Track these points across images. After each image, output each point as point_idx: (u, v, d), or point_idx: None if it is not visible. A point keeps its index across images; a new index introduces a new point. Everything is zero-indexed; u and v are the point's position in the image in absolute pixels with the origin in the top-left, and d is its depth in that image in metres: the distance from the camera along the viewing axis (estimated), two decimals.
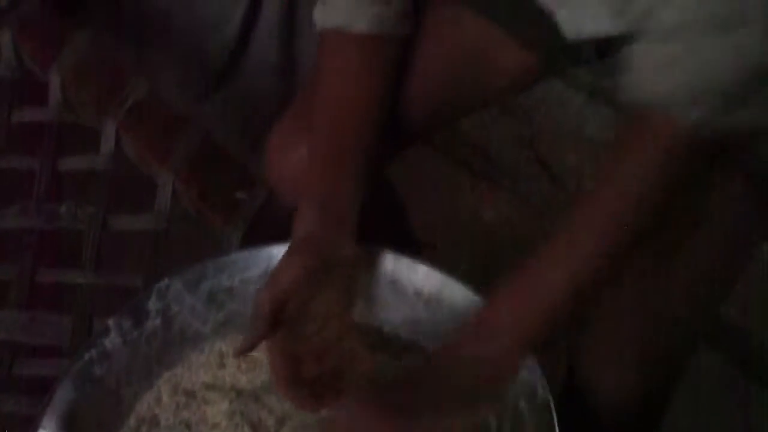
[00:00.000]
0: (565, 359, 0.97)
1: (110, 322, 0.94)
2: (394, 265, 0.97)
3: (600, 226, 0.85)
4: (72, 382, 0.91)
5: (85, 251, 1.11)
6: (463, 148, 1.94)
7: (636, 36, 0.83)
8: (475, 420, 0.86)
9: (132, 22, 1.64)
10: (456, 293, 0.94)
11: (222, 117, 1.58)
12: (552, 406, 0.84)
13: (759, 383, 1.47)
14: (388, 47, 1.02)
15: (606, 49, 1.01)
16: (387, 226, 1.23)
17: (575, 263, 0.85)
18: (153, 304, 0.96)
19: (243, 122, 1.54)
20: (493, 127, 1.92)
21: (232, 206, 1.08)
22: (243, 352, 0.90)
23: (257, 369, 0.95)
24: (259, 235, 0.99)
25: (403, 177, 1.29)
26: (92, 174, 1.20)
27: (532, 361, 0.86)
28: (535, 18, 1.02)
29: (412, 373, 0.87)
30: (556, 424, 0.83)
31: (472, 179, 1.90)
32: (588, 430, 1.00)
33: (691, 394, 1.13)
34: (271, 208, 1.06)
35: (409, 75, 1.06)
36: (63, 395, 0.90)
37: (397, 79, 1.04)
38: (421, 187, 1.74)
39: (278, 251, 0.93)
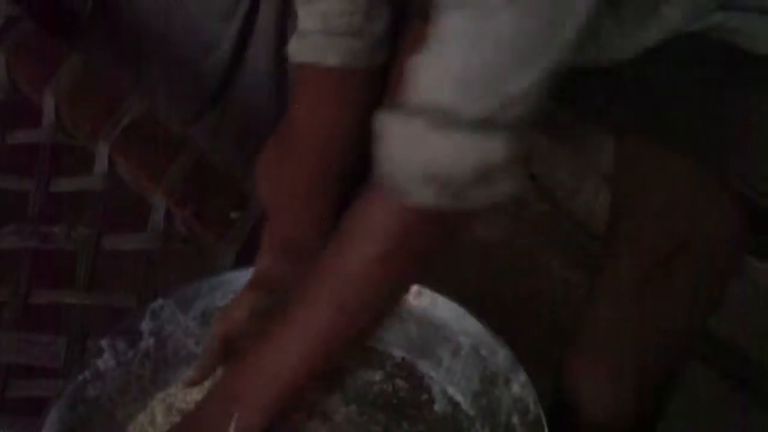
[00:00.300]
0: (558, 374, 0.97)
1: (104, 342, 0.94)
2: None
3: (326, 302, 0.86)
4: (66, 403, 0.91)
5: (79, 271, 1.11)
6: None
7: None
8: None
9: (126, 41, 1.65)
10: (448, 311, 0.94)
11: (216, 136, 1.59)
12: (544, 421, 0.85)
13: (757, 402, 1.47)
14: (362, 79, 1.02)
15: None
16: None
17: (309, 339, 0.86)
18: (146, 325, 0.96)
19: (237, 141, 1.55)
20: None
21: (226, 226, 1.08)
22: (192, 384, 0.95)
23: None
24: (252, 254, 0.99)
25: None
26: (86, 194, 1.20)
27: (524, 377, 0.87)
28: None
29: None
30: None
31: None
32: None
33: (686, 411, 1.13)
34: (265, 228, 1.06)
35: (395, 93, 1.07)
36: (57, 416, 0.90)
37: (375, 105, 1.05)
38: None
39: None
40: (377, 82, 1.05)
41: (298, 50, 1.02)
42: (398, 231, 0.83)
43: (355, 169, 1.02)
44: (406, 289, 0.92)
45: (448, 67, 0.76)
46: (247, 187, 1.13)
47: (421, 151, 0.78)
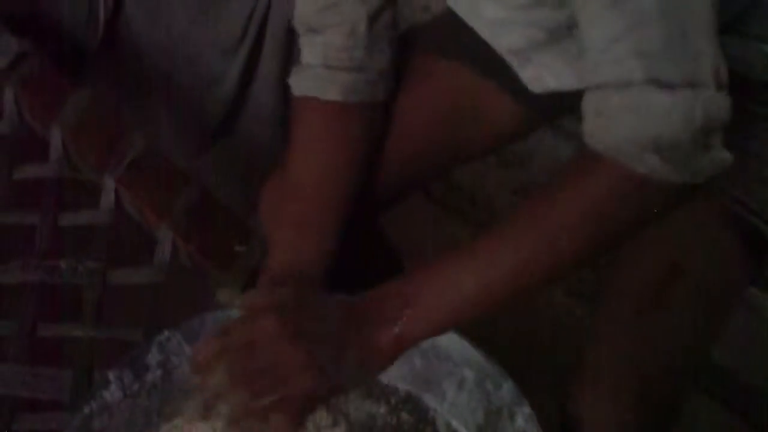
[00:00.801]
0: (561, 406, 0.98)
1: (110, 374, 0.95)
2: None
3: (528, 245, 0.85)
4: None
5: (85, 305, 1.12)
6: (458, 198, 1.96)
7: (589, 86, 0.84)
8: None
9: (132, 78, 1.66)
10: (452, 344, 0.95)
11: (220, 171, 1.60)
12: None
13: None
14: (363, 113, 1.04)
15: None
16: (382, 277, 1.24)
17: (491, 273, 0.86)
18: (153, 357, 0.97)
19: (241, 175, 1.56)
20: (487, 176, 1.94)
21: (231, 259, 1.09)
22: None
23: None
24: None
25: (398, 228, 1.30)
26: (93, 228, 1.21)
27: (528, 410, 0.87)
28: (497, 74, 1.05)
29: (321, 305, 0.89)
30: None
31: (468, 228, 1.91)
32: None
33: None
34: None
35: (400, 126, 1.08)
36: None
37: (377, 138, 1.07)
38: (418, 237, 1.75)
39: None
40: (378, 116, 1.06)
41: (298, 83, 1.04)
42: (623, 194, 0.82)
43: (354, 199, 1.04)
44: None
45: (626, 46, 0.79)
46: (251, 220, 1.14)
47: (648, 116, 0.79)
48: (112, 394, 0.94)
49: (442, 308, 0.87)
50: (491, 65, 1.08)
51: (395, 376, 0.97)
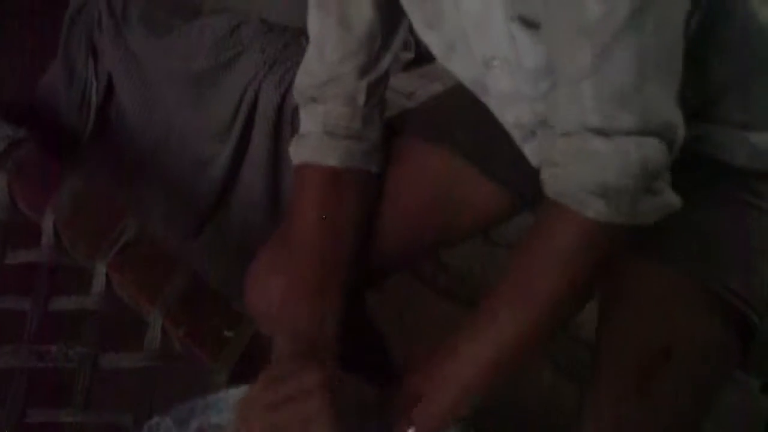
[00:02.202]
0: None
1: None
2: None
3: (516, 308, 0.90)
4: None
5: (76, 390, 1.12)
6: (447, 277, 1.97)
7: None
8: None
9: (123, 162, 1.69)
10: None
11: (211, 253, 1.62)
12: None
13: None
14: (359, 180, 1.08)
15: None
16: (367, 359, 1.25)
17: (498, 337, 0.90)
18: None
19: (232, 258, 1.57)
20: (474, 256, 1.95)
21: (221, 344, 1.10)
22: None
23: None
24: (246, 372, 1.01)
25: (387, 307, 1.31)
26: (84, 313, 1.22)
27: None
28: (508, 155, 1.07)
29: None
30: None
31: (458, 307, 1.92)
32: None
33: None
34: (258, 346, 1.08)
35: (386, 208, 1.11)
36: None
37: (370, 210, 1.10)
38: (406, 316, 1.76)
39: None
40: (372, 188, 1.09)
41: (298, 152, 1.07)
42: (578, 244, 0.88)
43: (356, 260, 1.06)
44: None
45: (585, 95, 0.84)
46: (239, 305, 1.15)
47: (590, 161, 0.85)
48: None
49: (457, 400, 0.91)
50: (476, 151, 1.11)
51: None
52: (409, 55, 1.44)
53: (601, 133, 0.84)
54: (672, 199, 0.88)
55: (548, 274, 0.88)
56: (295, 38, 1.53)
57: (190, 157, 1.61)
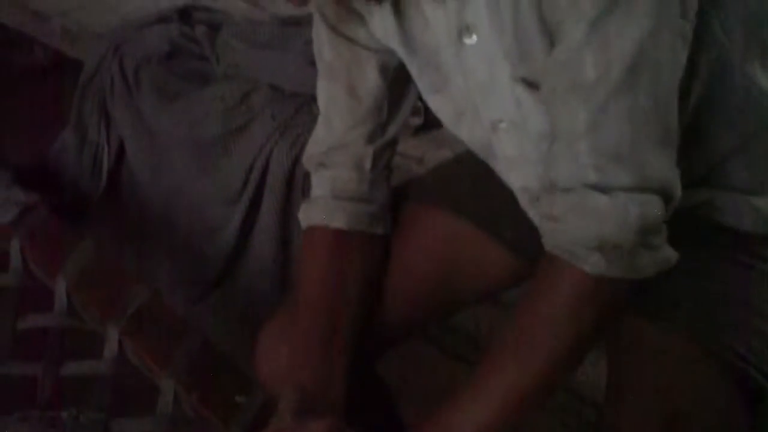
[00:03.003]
0: None
1: None
2: None
3: (519, 362, 0.90)
4: None
5: None
6: (455, 339, 1.97)
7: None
8: None
9: (133, 227, 1.70)
10: None
11: (220, 317, 1.62)
12: None
13: None
14: (366, 243, 1.09)
15: None
16: (374, 414, 1.25)
17: (501, 390, 0.91)
18: None
19: (240, 322, 1.58)
20: (483, 318, 1.95)
21: (232, 409, 1.10)
22: None
23: None
24: None
25: (396, 369, 1.32)
26: (95, 378, 1.22)
27: None
28: (515, 219, 1.08)
29: None
30: None
31: (463, 368, 1.91)
32: None
33: None
34: (270, 411, 1.09)
35: (394, 272, 1.12)
36: None
37: (378, 274, 1.11)
38: (415, 379, 1.76)
39: None
40: (378, 252, 1.11)
41: (307, 215, 1.09)
42: (578, 298, 0.88)
43: (363, 322, 1.07)
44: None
45: (582, 153, 0.86)
46: (250, 370, 1.16)
47: (588, 216, 0.86)
48: None
49: None
50: (484, 217, 1.12)
51: None
52: (418, 121, 1.46)
53: (599, 188, 0.86)
54: (669, 253, 0.89)
55: (550, 328, 0.89)
56: (306, 105, 1.55)
57: (201, 223, 1.62)
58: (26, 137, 2.00)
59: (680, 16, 0.86)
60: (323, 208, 1.09)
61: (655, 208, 0.87)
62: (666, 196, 0.87)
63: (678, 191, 0.88)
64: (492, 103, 0.98)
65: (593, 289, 0.88)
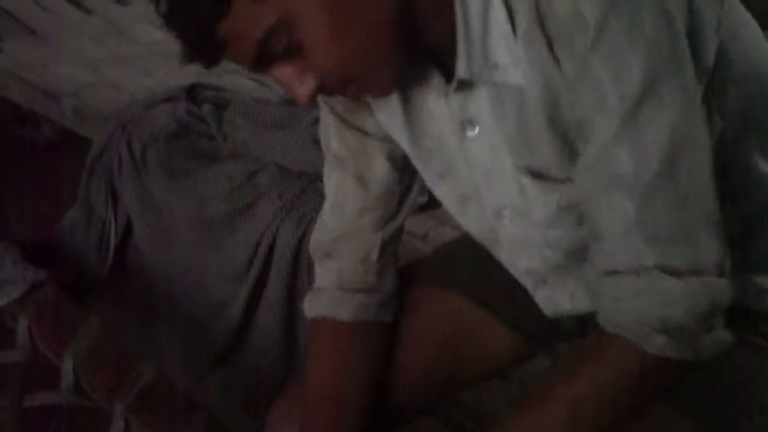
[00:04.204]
0: None
1: None
2: None
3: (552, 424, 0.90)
4: None
5: None
6: (460, 413, 1.96)
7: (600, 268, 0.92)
8: None
9: (140, 303, 1.71)
10: None
11: (225, 393, 1.62)
12: None
13: None
14: (372, 333, 1.10)
15: (587, 322, 1.08)
16: None
17: None
18: None
19: (245, 399, 1.58)
20: (488, 392, 1.95)
21: None
22: None
23: None
24: None
25: None
26: None
27: None
28: (520, 300, 1.09)
29: None
30: None
31: None
32: None
33: None
34: None
35: (401, 356, 1.13)
36: None
37: (384, 361, 1.11)
38: None
39: None
40: (386, 338, 1.11)
41: (313, 306, 1.10)
42: (634, 374, 0.89)
43: (371, 408, 1.08)
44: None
45: (636, 243, 0.88)
46: None
47: (655, 298, 0.87)
48: None
49: None
50: (489, 297, 1.13)
51: None
52: (423, 199, 1.47)
53: (668, 272, 0.87)
54: (727, 336, 0.90)
55: (595, 400, 0.90)
56: (312, 184, 1.57)
57: (207, 299, 1.63)
58: (33, 212, 2.02)
59: (700, 99, 0.88)
60: (329, 300, 1.09)
61: (726, 293, 0.89)
62: (723, 273, 0.89)
63: (729, 267, 0.90)
64: (495, 191, 0.99)
65: (653, 368, 0.89)
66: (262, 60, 0.87)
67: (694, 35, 0.87)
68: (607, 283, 0.90)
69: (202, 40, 0.85)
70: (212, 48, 0.85)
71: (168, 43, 0.87)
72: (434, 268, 1.19)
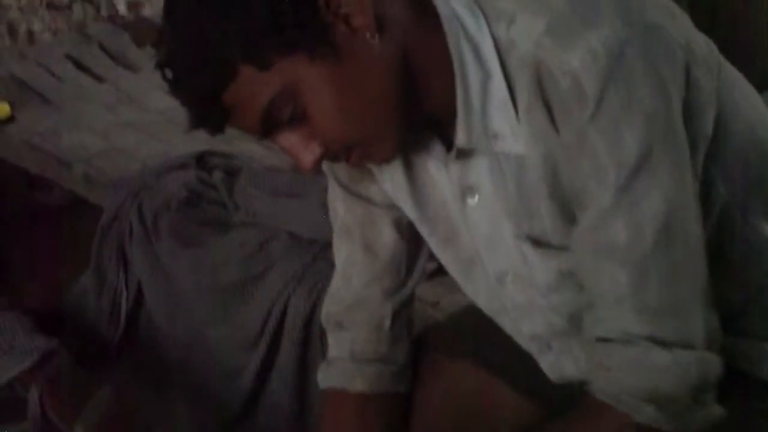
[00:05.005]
0: None
1: None
2: None
3: None
4: None
5: None
6: None
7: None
8: None
9: (151, 371, 1.71)
10: None
11: None
12: None
13: None
14: (387, 404, 1.10)
15: None
16: None
17: None
18: None
19: None
20: None
21: None
22: None
23: None
24: None
25: None
26: None
27: None
28: (533, 367, 1.09)
29: None
30: None
31: None
32: None
33: None
34: None
35: (416, 426, 1.12)
36: None
37: (399, 428, 1.11)
38: None
39: None
40: (400, 406, 1.11)
41: (326, 377, 1.10)
42: None
43: None
44: None
45: (628, 313, 0.88)
46: None
47: (645, 369, 0.88)
48: None
49: None
50: (503, 364, 1.13)
51: None
52: (433, 265, 1.48)
53: (658, 343, 0.87)
54: (718, 411, 0.90)
55: None
56: (323, 252, 1.57)
57: (218, 367, 1.63)
58: (44, 278, 2.03)
59: (693, 174, 0.89)
60: (342, 372, 1.09)
61: (715, 367, 0.89)
62: (712, 347, 0.89)
63: (719, 341, 0.90)
64: (497, 257, 1.00)
65: None
66: (266, 127, 0.88)
67: (691, 106, 0.88)
68: (598, 351, 0.91)
69: (207, 107, 0.86)
70: (218, 115, 0.87)
71: (178, 110, 0.89)
72: (447, 336, 1.19)
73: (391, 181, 1.03)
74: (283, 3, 0.83)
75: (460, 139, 0.91)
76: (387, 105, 0.88)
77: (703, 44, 0.92)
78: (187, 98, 0.87)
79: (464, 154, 0.93)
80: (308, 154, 0.89)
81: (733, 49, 1.13)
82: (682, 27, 0.91)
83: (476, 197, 0.96)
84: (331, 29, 0.85)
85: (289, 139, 0.89)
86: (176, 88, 0.87)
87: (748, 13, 2.79)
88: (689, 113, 0.88)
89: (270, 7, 0.83)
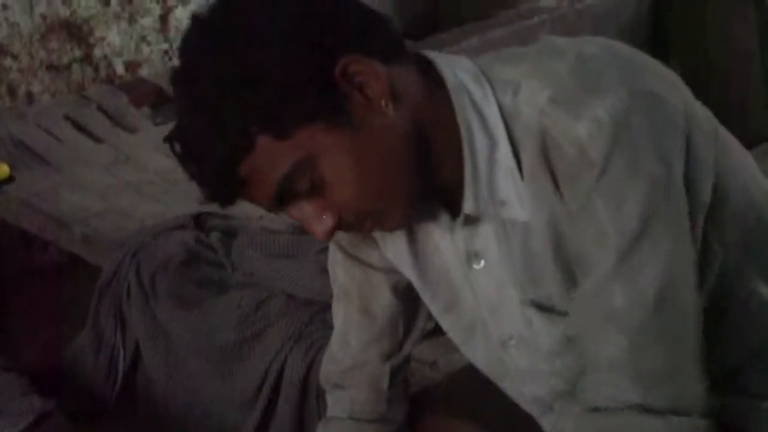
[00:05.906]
0: None
1: None
2: None
3: None
4: None
5: None
6: None
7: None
8: None
9: (148, 430, 1.70)
10: None
11: None
12: None
13: None
14: None
15: None
16: None
17: None
18: None
19: None
20: None
21: None
22: None
23: None
24: None
25: None
26: None
27: None
28: (528, 426, 1.10)
29: None
30: None
31: None
32: None
33: None
34: None
35: None
36: None
37: None
38: None
39: None
40: None
41: None
42: None
43: None
44: None
45: (622, 379, 0.89)
46: None
47: None
48: None
49: None
50: (497, 425, 1.13)
51: None
52: (430, 325, 1.48)
53: (647, 411, 0.88)
54: None
55: None
56: (320, 313, 1.58)
57: (216, 426, 1.63)
58: (41, 337, 2.03)
59: (692, 239, 0.90)
60: (341, 430, 1.10)
61: (704, 429, 0.89)
62: (705, 413, 0.90)
63: (710, 404, 0.91)
64: (501, 322, 1.01)
65: None
66: (281, 198, 0.88)
67: (691, 172, 0.90)
68: (590, 420, 0.91)
69: (221, 180, 0.86)
70: (232, 187, 0.87)
71: (176, 170, 0.88)
72: (445, 396, 1.20)
73: (393, 248, 1.04)
74: (302, 72, 0.84)
75: (468, 206, 0.92)
76: (402, 172, 0.90)
77: (700, 112, 0.94)
78: (199, 171, 0.87)
79: (471, 221, 0.94)
80: (323, 224, 0.90)
81: (725, 107, 1.15)
82: (682, 95, 0.93)
83: (482, 262, 0.97)
84: (347, 98, 0.86)
85: (304, 209, 0.90)
86: (188, 161, 0.87)
87: (740, 73, 2.84)
88: (689, 180, 0.90)
89: (288, 76, 0.84)
